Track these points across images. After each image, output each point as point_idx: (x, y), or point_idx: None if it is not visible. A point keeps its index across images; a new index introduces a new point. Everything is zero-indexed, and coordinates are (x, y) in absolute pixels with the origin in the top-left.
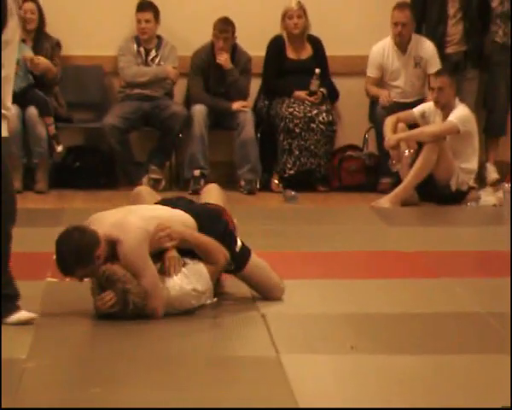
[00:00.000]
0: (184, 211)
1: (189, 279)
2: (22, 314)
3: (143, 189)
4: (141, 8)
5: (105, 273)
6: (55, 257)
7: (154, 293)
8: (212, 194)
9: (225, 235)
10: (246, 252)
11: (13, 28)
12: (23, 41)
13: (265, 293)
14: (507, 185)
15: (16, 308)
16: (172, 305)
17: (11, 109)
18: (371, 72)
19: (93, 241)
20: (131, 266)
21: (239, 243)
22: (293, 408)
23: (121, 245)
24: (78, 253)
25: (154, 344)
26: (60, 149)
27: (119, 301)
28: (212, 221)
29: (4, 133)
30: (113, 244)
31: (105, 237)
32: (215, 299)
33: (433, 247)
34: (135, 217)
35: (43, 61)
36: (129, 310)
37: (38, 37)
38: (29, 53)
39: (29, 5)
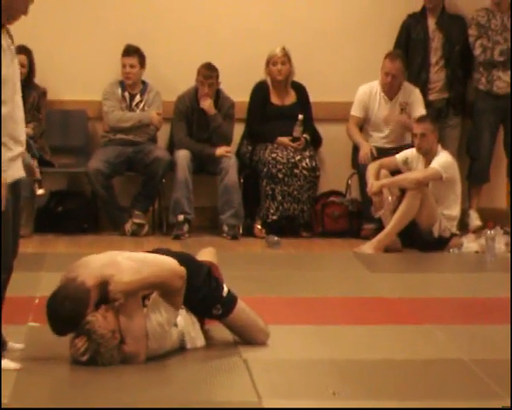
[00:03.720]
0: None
1: (147, 315)
2: (5, 363)
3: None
4: (126, 53)
5: (86, 325)
6: (48, 322)
7: (140, 336)
8: (205, 253)
9: (210, 278)
10: (232, 298)
11: (6, 65)
12: None
13: (250, 338)
14: (489, 232)
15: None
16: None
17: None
18: (356, 111)
19: (84, 302)
20: (124, 305)
21: (225, 288)
22: None
23: (115, 282)
24: (72, 319)
25: (135, 390)
26: (41, 191)
27: (90, 352)
28: (195, 264)
29: (20, 173)
30: (104, 285)
31: (96, 280)
32: (200, 344)
33: (415, 293)
34: (122, 258)
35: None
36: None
37: (25, 87)
38: None
39: (20, 58)
